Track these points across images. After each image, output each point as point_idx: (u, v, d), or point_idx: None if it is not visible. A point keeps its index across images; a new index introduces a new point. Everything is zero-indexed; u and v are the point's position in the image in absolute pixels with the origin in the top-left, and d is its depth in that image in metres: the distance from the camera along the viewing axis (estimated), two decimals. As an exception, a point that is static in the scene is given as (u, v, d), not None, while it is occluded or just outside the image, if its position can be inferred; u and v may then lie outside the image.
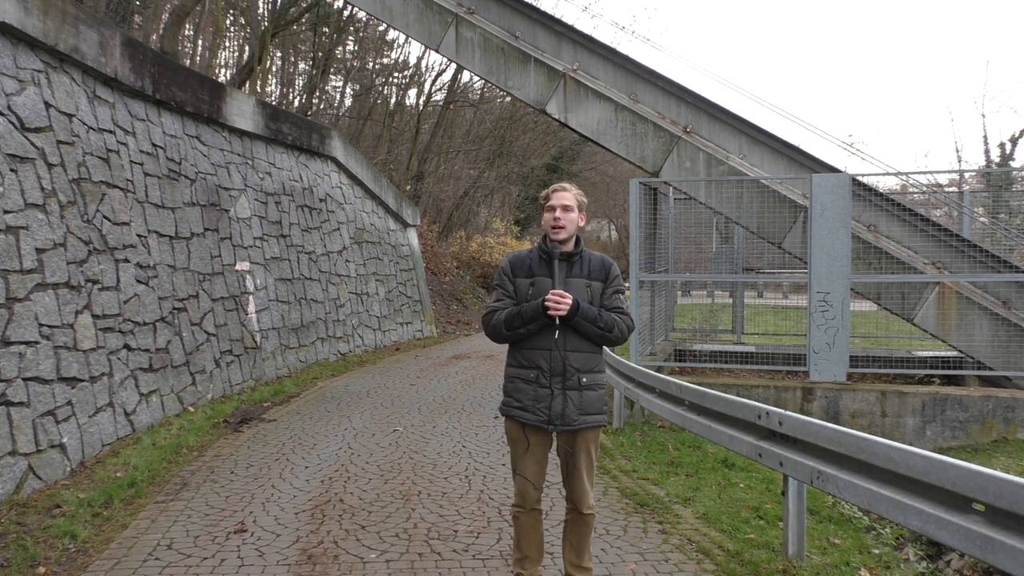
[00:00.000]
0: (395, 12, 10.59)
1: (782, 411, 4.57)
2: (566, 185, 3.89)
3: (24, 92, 6.80)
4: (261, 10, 22.93)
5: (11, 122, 6.49)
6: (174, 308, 8.92)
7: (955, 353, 9.85)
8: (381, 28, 26.13)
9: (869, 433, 3.89)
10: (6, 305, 5.97)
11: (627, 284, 7.53)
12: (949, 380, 9.97)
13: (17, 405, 5.86)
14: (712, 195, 9.92)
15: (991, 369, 9.16)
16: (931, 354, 10.80)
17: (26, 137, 6.65)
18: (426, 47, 14.13)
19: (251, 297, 11.21)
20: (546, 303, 3.64)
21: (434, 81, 29.11)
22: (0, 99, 6.44)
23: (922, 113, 52.97)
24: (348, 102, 29.30)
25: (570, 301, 3.64)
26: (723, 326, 14.36)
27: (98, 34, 8.06)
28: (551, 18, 10.64)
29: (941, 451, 6.45)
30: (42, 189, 6.70)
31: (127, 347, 7.72)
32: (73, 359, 6.70)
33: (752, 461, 5.47)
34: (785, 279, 14.65)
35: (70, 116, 7.46)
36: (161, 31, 19.34)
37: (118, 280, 7.76)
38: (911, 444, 4.43)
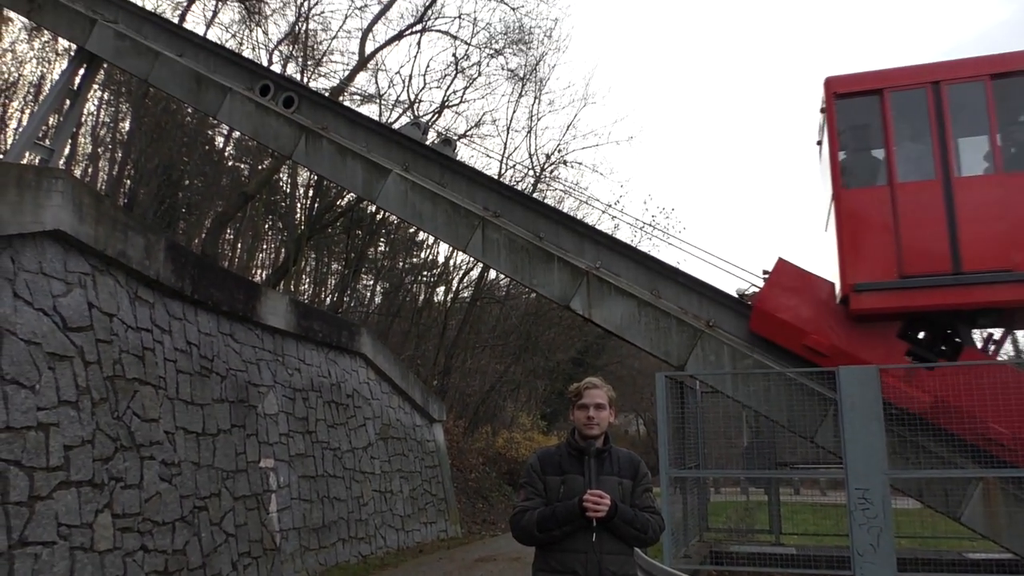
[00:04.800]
0: (425, 216, 11.15)
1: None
2: (596, 382, 3.85)
3: (70, 294, 7.11)
4: (298, 215, 24.32)
5: (55, 322, 6.74)
6: (195, 507, 8.75)
7: (1010, 556, 9.27)
8: (411, 230, 27.44)
9: (926, 645, 3.61)
10: (28, 504, 5.91)
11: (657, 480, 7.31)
12: (1006, 585, 9.30)
13: (25, 611, 5.65)
14: (739, 388, 9.84)
15: (1051, 573, 8.58)
16: (984, 556, 10.16)
17: (67, 336, 6.88)
18: (454, 247, 14.71)
19: (273, 495, 11.00)
20: (584, 504, 3.53)
21: (461, 279, 30.14)
22: (47, 300, 6.74)
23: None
24: (378, 299, 30.23)
25: (608, 502, 3.53)
26: (760, 525, 13.74)
27: (144, 239, 8.53)
28: (573, 219, 11.15)
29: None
30: (77, 387, 6.83)
31: (144, 548, 7.51)
32: (88, 560, 6.52)
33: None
34: (821, 475, 14.16)
35: (111, 316, 7.74)
36: (204, 235, 20.47)
37: (141, 477, 7.69)
38: (974, 658, 4.08)
